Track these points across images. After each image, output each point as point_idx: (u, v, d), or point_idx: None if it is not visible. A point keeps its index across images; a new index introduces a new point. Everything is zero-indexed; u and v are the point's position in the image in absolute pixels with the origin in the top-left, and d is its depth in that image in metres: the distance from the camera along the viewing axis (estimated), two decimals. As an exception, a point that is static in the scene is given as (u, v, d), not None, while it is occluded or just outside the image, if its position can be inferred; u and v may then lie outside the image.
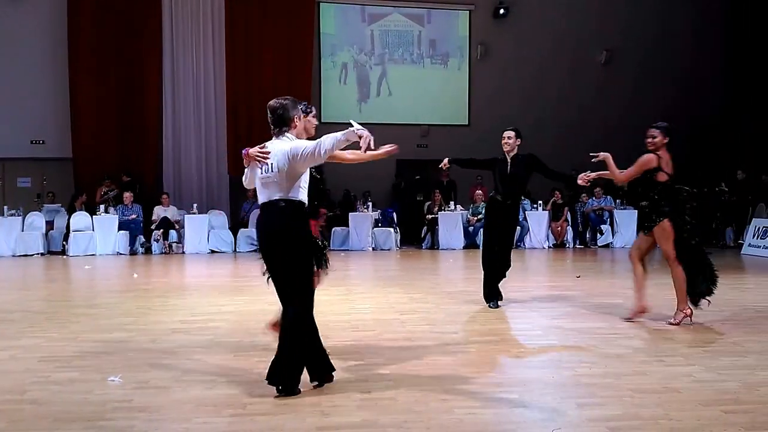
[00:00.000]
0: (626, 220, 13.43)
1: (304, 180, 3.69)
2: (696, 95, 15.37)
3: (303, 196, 3.67)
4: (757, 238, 11.70)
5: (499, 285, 6.26)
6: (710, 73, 15.59)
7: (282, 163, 3.59)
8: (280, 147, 3.65)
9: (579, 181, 5.77)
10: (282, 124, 3.73)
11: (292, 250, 3.57)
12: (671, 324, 5.25)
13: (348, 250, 12.82)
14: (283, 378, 3.50)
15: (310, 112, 4.33)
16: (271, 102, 3.79)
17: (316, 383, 3.65)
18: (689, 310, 5.26)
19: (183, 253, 12.50)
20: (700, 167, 14.29)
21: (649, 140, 5.29)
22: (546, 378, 3.88)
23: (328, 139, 3.56)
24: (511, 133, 6.17)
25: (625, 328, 5.23)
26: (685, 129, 15.26)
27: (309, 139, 4.10)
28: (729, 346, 4.56)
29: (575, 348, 4.66)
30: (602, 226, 13.47)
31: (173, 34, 14.27)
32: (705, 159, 14.67)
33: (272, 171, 3.62)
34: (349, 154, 4.34)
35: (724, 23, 15.75)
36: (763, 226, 11.67)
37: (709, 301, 5.28)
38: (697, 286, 5.23)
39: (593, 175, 5.71)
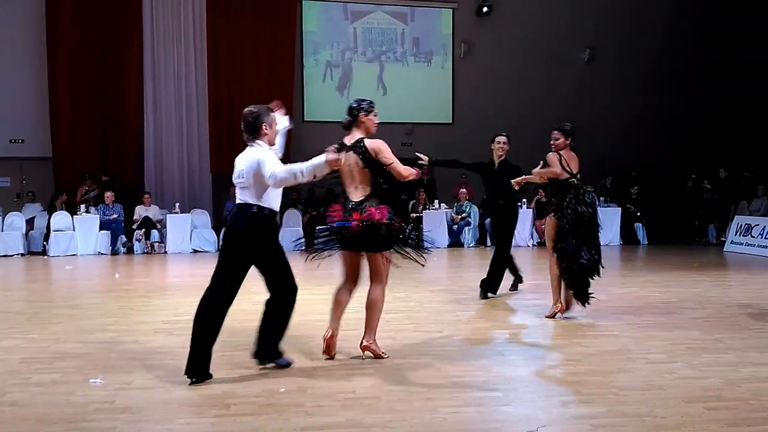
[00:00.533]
0: (609, 218, 13.51)
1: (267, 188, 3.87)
2: (679, 93, 15.51)
3: (274, 202, 3.92)
4: (739, 236, 11.83)
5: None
6: (692, 72, 15.75)
7: (249, 172, 3.83)
8: (250, 156, 3.87)
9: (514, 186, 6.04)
10: (252, 131, 3.92)
11: (257, 250, 3.91)
12: (546, 317, 5.49)
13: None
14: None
15: (371, 111, 4.45)
16: (245, 110, 3.98)
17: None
18: (560, 306, 5.47)
19: (165, 252, 12.38)
20: (691, 165, 14.45)
21: (552, 142, 5.62)
22: (530, 376, 3.89)
23: (283, 173, 3.78)
24: (505, 138, 6.54)
25: (609, 325, 5.27)
26: (670, 127, 15.46)
27: (370, 136, 4.39)
28: (711, 343, 4.60)
29: (560, 346, 4.69)
30: (585, 224, 13.54)
31: (154, 31, 14.12)
32: (693, 156, 14.83)
33: (243, 177, 3.88)
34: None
35: (701, 21, 15.92)
36: (746, 224, 11.80)
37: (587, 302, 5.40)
38: (575, 286, 5.40)
39: (521, 179, 5.99)
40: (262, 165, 3.76)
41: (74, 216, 12.20)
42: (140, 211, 12.69)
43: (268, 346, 4.08)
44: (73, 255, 11.87)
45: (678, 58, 15.68)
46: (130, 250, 12.44)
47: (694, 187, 13.73)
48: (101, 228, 12.20)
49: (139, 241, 12.43)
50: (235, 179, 3.94)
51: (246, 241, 3.87)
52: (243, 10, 14.22)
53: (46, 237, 12.20)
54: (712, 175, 13.65)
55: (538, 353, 4.52)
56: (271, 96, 16.04)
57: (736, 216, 12.44)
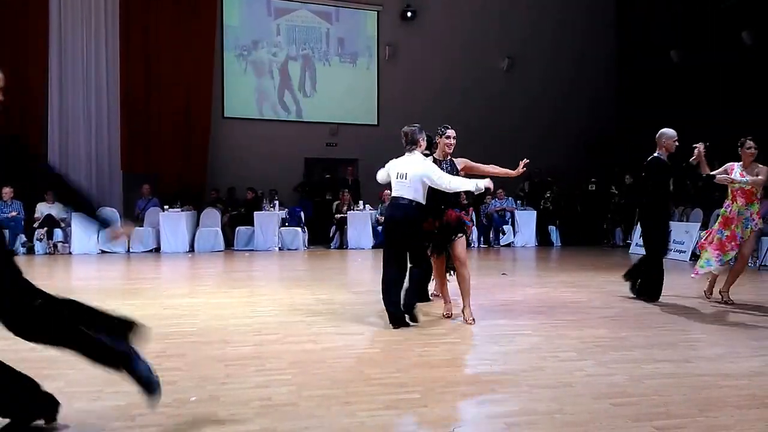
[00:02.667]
0: (526, 220, 14.01)
1: (425, 188, 5.30)
2: (591, 105, 16.29)
3: (423, 198, 5.29)
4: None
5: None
6: (604, 86, 16.56)
7: (414, 176, 5.23)
8: (415, 163, 5.29)
9: None
10: (412, 143, 5.36)
11: (411, 233, 5.28)
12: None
13: (253, 250, 12.52)
14: (407, 309, 5.33)
15: (444, 133, 5.57)
16: (405, 128, 5.42)
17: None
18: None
19: (70, 253, 11.73)
20: (599, 171, 15.19)
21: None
22: (448, 376, 3.91)
23: (457, 182, 5.26)
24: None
25: (523, 325, 5.41)
26: (582, 135, 16.18)
27: (444, 155, 5.57)
28: (618, 341, 4.81)
29: (477, 345, 4.77)
30: (504, 227, 13.97)
31: (61, 16, 13.36)
32: (602, 163, 15.58)
33: (405, 179, 5.27)
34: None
35: (615, 38, 16.80)
36: (649, 227, 12.45)
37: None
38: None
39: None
40: (431, 173, 5.22)
41: (-32, 213, 11.35)
42: (42, 209, 11.94)
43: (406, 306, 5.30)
44: (-33, 256, 11.00)
45: (591, 71, 16.43)
46: (30, 251, 11.69)
47: (598, 191, 14.45)
48: (-1, 227, 11.39)
49: (40, 241, 11.69)
50: (396, 179, 5.32)
51: (403, 226, 5.24)
52: (159, 0, 13.69)
53: (-64, 236, 11.26)
54: (619, 181, 14.38)
55: (455, 354, 4.57)
56: (189, 91, 15.54)
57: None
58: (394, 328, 5.18)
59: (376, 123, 15.69)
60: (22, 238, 11.71)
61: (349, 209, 13.37)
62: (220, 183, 14.19)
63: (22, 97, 13.01)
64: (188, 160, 13.98)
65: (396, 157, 5.57)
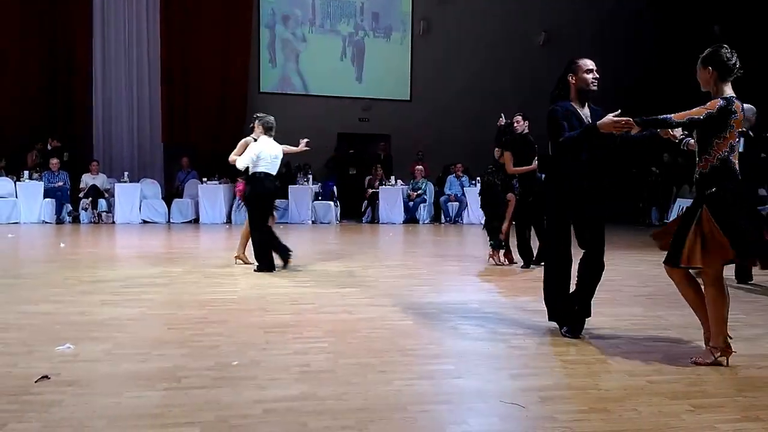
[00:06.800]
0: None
1: None
2: (629, 83, 15.87)
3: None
4: (679, 218, 12.26)
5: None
6: (644, 58, 16.12)
7: (281, 157, 6.87)
8: (278, 146, 6.73)
9: None
10: (272, 130, 6.84)
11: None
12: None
13: (287, 223, 12.69)
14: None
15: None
16: (266, 118, 6.85)
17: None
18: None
19: (113, 222, 12.07)
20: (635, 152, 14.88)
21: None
22: (481, 349, 3.96)
23: None
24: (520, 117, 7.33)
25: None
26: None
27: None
28: (653, 320, 4.78)
29: (510, 320, 4.79)
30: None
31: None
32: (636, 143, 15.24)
33: (278, 159, 6.88)
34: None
35: (655, 13, 16.30)
36: (686, 206, 12.21)
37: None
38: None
39: None
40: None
41: (17, 182, 11.75)
42: (87, 179, 12.30)
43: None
44: (16, 223, 11.44)
45: (630, 47, 16.00)
46: (76, 220, 12.08)
47: (639, 171, 14.19)
48: (46, 196, 11.78)
49: (85, 210, 12.06)
50: (272, 159, 6.59)
51: (275, 196, 6.99)
52: (198, -24, 13.78)
53: (-14, 204, 11.72)
54: (657, 160, 14.08)
55: (489, 328, 4.60)
56: (227, 66, 15.69)
57: (678, 198, 12.88)
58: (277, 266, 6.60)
59: (408, 99, 15.60)
60: (68, 207, 12.10)
61: (381, 184, 13.42)
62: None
63: (67, 74, 13.32)
64: (225, 134, 14.16)
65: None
